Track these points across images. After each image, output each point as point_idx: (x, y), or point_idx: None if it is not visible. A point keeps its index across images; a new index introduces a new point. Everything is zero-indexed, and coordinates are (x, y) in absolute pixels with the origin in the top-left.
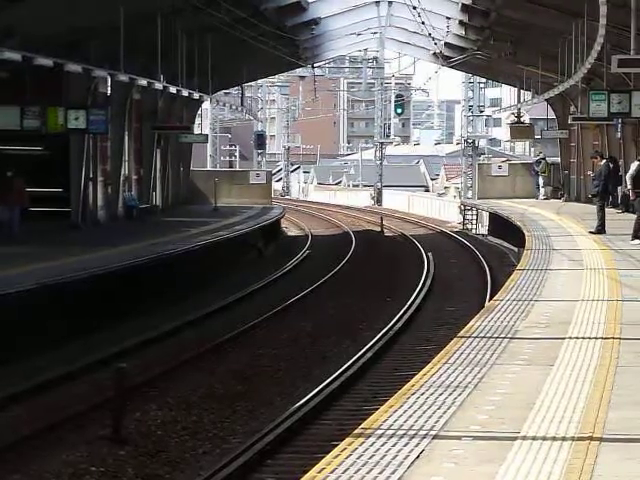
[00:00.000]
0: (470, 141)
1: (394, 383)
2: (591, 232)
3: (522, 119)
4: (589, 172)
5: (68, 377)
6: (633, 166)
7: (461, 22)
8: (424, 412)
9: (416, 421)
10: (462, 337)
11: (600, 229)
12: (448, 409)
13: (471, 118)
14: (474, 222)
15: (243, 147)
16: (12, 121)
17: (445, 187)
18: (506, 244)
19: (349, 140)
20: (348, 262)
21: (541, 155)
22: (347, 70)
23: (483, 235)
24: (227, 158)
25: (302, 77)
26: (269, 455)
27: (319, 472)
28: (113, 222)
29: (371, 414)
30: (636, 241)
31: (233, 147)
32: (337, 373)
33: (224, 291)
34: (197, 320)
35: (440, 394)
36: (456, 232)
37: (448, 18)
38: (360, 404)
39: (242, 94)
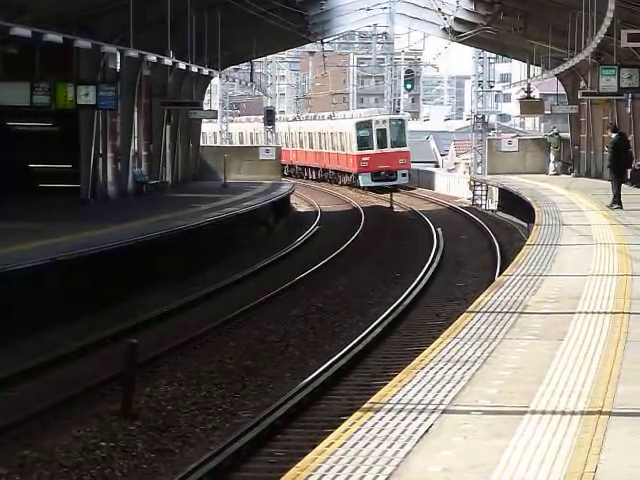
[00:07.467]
0: (480, 116)
1: (403, 358)
2: (608, 206)
3: (532, 94)
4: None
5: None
6: None
7: None
8: (433, 387)
9: (425, 395)
10: (471, 312)
11: (616, 201)
12: (457, 384)
13: (481, 93)
14: (484, 198)
15: None
16: (22, 97)
17: (455, 163)
18: (516, 219)
19: None
20: (357, 238)
21: (555, 130)
22: (357, 45)
23: (493, 211)
24: None
25: (312, 53)
26: (279, 430)
27: (328, 446)
28: (123, 198)
29: (380, 389)
30: None
31: None
32: (346, 348)
33: (234, 267)
34: (208, 295)
35: (449, 369)
36: (466, 208)
37: None
38: (369, 379)
39: (252, 70)
